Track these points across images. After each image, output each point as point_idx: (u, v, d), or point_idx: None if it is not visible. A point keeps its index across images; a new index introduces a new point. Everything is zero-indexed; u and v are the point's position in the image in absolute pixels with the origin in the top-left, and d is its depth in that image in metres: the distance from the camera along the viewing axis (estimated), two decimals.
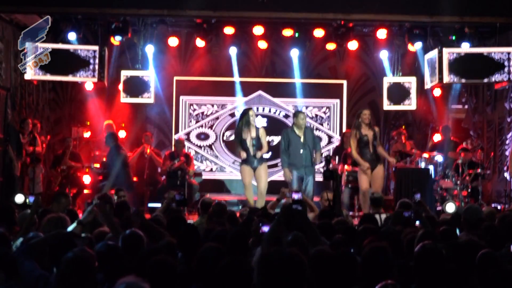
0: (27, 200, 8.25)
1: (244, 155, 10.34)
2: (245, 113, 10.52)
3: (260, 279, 2.70)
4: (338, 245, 4.96)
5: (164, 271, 4.05)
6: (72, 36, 11.76)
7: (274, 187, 11.14)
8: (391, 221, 6.30)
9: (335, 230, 5.75)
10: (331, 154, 13.46)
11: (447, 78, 11.50)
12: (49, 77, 11.76)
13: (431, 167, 11.94)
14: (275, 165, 13.65)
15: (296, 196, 4.91)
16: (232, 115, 14.14)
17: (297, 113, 10.80)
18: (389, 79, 13.18)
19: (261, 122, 13.91)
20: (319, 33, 12.24)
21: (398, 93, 13.05)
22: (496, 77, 11.39)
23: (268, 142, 13.56)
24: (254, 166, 10.43)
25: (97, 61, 11.58)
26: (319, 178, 12.05)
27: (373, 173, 10.42)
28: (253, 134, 10.40)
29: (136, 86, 12.70)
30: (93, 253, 3.85)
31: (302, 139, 10.48)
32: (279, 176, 12.89)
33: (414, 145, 13.02)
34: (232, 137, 12.76)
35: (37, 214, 6.56)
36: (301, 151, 10.43)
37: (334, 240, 5.18)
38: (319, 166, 12.16)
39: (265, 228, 4.75)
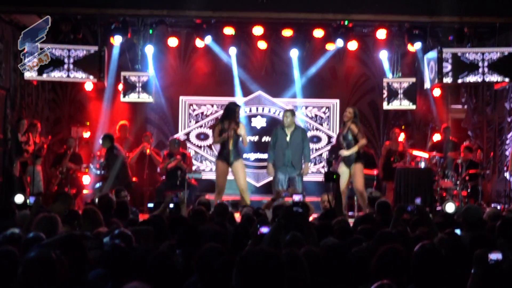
0: (27, 200, 8.26)
1: (225, 136, 10.31)
2: (233, 108, 10.48)
3: (238, 279, 2.71)
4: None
5: (164, 265, 4.07)
6: (72, 36, 11.77)
7: (271, 187, 11.14)
8: (394, 218, 6.29)
9: (334, 230, 5.76)
10: (328, 154, 13.47)
11: (447, 78, 11.50)
12: (49, 77, 11.77)
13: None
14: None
15: (296, 198, 4.89)
16: None
17: (283, 112, 10.98)
18: (390, 79, 13.18)
19: (260, 122, 13.92)
20: (318, 33, 12.24)
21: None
22: None
23: (268, 143, 13.63)
24: (230, 161, 10.40)
25: (96, 61, 11.60)
26: (319, 178, 12.08)
27: (351, 172, 10.44)
28: (235, 128, 10.37)
29: (135, 86, 12.72)
30: (54, 255, 3.86)
31: (288, 138, 10.49)
32: (267, 173, 12.88)
33: (406, 145, 13.01)
34: None
35: (37, 214, 6.57)
36: (285, 151, 10.44)
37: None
38: (319, 166, 12.17)
39: (264, 229, 4.73)
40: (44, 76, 11.63)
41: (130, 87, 12.71)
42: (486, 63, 11.38)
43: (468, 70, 11.44)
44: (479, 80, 11.49)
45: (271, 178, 13.50)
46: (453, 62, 11.45)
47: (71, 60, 11.53)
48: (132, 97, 12.77)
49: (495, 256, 3.97)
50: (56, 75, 11.58)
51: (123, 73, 12.75)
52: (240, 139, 10.40)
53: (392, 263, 3.97)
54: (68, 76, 11.60)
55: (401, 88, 13.00)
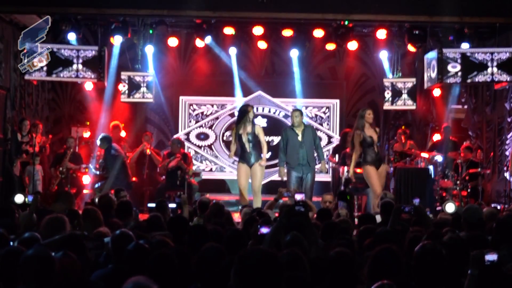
0: (26, 200, 8.27)
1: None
2: (245, 110, 10.49)
3: (235, 279, 2.71)
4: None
5: (164, 264, 4.06)
6: (72, 36, 11.78)
7: (273, 187, 11.14)
8: (392, 218, 6.30)
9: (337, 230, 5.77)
10: (330, 153, 13.45)
11: (449, 78, 11.50)
12: (49, 77, 11.78)
13: (430, 167, 11.94)
14: (275, 165, 13.64)
15: (298, 197, 4.88)
16: (232, 115, 14.13)
17: (291, 112, 11.01)
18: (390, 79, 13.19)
19: (261, 122, 13.91)
20: (318, 33, 12.24)
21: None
22: None
23: (268, 142, 13.65)
24: (251, 163, 10.41)
25: (97, 61, 11.60)
26: (319, 178, 12.08)
27: (379, 171, 10.42)
28: (249, 130, 10.36)
29: (136, 86, 12.71)
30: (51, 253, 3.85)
31: (300, 138, 10.52)
32: (279, 176, 12.88)
33: (414, 145, 13.02)
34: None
35: (36, 213, 6.57)
36: (299, 150, 10.46)
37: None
38: (319, 166, 12.15)
39: (264, 230, 4.72)
40: (53, 77, 11.68)
41: (134, 87, 12.70)
42: (495, 63, 11.37)
43: (477, 70, 11.43)
44: (488, 80, 11.49)
45: (272, 178, 13.58)
46: (462, 62, 11.44)
47: (80, 61, 11.58)
48: (137, 97, 12.78)
49: (491, 257, 3.99)
50: (66, 75, 11.64)
51: (127, 73, 12.71)
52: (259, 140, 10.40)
53: (386, 263, 3.95)
54: (77, 76, 11.66)
55: (405, 88, 13.00)
